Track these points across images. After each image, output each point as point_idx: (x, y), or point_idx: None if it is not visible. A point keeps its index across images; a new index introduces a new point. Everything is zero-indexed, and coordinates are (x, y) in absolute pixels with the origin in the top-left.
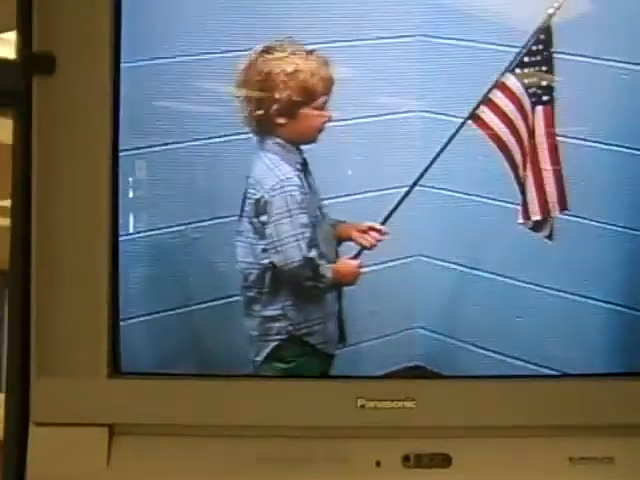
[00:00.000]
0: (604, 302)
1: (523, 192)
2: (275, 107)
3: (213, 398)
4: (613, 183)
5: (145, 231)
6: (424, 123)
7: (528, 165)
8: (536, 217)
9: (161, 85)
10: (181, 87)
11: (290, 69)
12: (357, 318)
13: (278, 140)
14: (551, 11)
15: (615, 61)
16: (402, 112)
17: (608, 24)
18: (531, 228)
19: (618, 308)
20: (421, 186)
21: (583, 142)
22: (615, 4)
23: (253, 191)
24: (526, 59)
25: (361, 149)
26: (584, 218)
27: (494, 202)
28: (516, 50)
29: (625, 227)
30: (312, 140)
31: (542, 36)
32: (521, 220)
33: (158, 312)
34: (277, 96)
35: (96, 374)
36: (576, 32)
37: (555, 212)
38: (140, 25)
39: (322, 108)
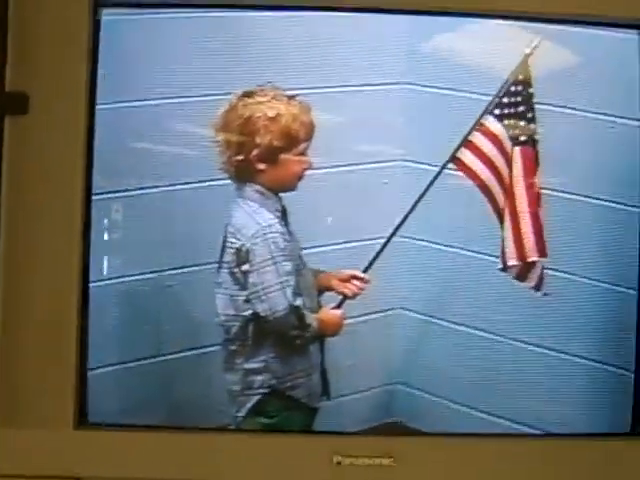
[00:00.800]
0: (588, 360)
1: (505, 236)
2: (255, 152)
3: (186, 452)
4: (597, 237)
5: (117, 277)
6: (406, 172)
7: (507, 208)
8: (512, 262)
9: (137, 128)
10: (158, 130)
11: (272, 113)
12: (336, 371)
13: (257, 187)
14: (527, 51)
15: (595, 113)
16: (384, 161)
17: (589, 76)
18: (516, 277)
19: (603, 366)
20: (402, 237)
21: (563, 194)
22: (601, 60)
23: (233, 240)
24: (505, 100)
25: (341, 197)
26: (567, 272)
27: (477, 254)
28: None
29: (609, 283)
30: (292, 188)
31: (520, 76)
32: (500, 265)
33: (129, 361)
34: (258, 141)
35: (62, 425)
36: (556, 83)
37: (533, 257)
38: (117, 66)
39: (303, 154)
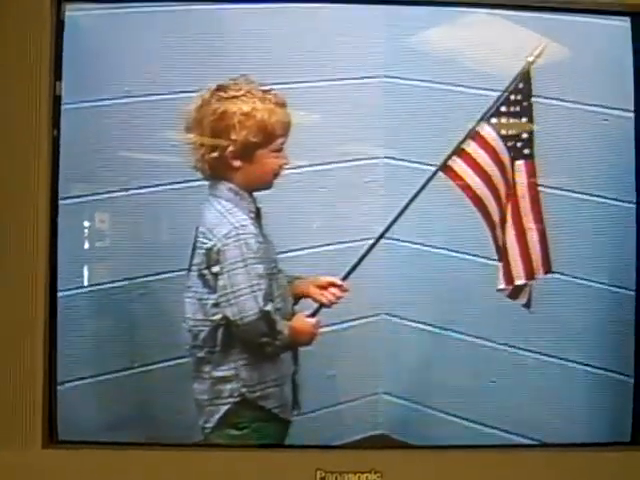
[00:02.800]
0: (585, 365)
1: (504, 253)
2: (230, 149)
3: (159, 469)
4: (591, 236)
5: (86, 286)
6: (389, 170)
7: (509, 224)
8: (521, 281)
9: (105, 128)
10: (127, 131)
11: (247, 108)
12: (315, 382)
13: (231, 185)
14: (530, 59)
15: (595, 106)
16: (364, 158)
17: (587, 70)
18: (509, 295)
19: (600, 372)
20: (387, 239)
21: (562, 192)
22: (593, 50)
23: (204, 240)
24: (503, 108)
25: (320, 198)
26: (565, 274)
27: (466, 257)
28: (490, 95)
29: (607, 284)
30: (267, 185)
31: (520, 85)
32: (502, 285)
33: (100, 375)
34: (233, 137)
35: (30, 444)
36: (555, 79)
37: (539, 274)
38: (83, 64)
39: (280, 151)
